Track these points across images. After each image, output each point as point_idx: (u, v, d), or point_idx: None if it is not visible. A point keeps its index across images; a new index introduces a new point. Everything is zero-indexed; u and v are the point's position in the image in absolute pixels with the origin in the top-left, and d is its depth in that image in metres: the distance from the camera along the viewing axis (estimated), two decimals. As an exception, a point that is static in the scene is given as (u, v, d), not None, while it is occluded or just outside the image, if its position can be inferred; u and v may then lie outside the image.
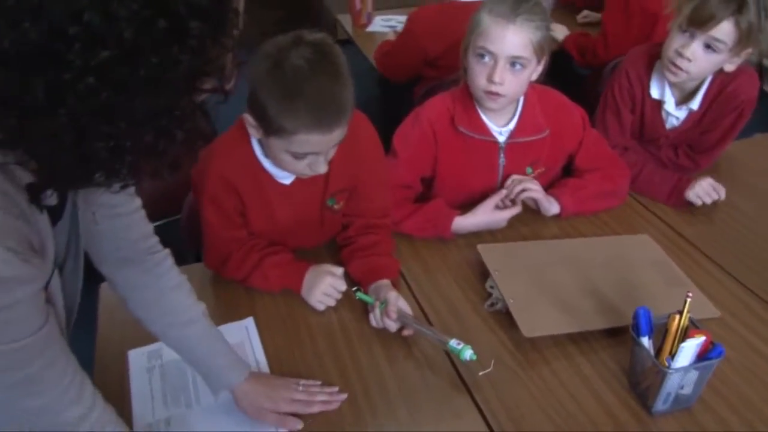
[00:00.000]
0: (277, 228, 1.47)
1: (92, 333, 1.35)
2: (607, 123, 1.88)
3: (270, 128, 1.23)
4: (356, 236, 1.52)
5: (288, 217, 1.46)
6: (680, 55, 1.63)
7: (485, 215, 1.62)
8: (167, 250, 1.13)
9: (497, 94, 1.52)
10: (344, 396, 1.21)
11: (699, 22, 1.58)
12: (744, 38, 1.58)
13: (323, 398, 1.20)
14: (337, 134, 1.24)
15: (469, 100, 1.62)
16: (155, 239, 1.11)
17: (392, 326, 1.32)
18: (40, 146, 0.65)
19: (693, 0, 1.60)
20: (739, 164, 1.94)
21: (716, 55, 1.63)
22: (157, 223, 1.14)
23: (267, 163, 1.37)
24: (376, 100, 3.32)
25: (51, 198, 0.79)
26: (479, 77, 1.53)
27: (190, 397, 1.22)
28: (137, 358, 1.31)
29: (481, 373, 1.23)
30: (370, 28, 3.20)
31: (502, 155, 1.65)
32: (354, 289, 1.42)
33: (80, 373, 0.85)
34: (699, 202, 1.70)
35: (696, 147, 1.87)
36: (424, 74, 2.62)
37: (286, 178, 1.40)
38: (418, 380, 1.24)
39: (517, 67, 1.50)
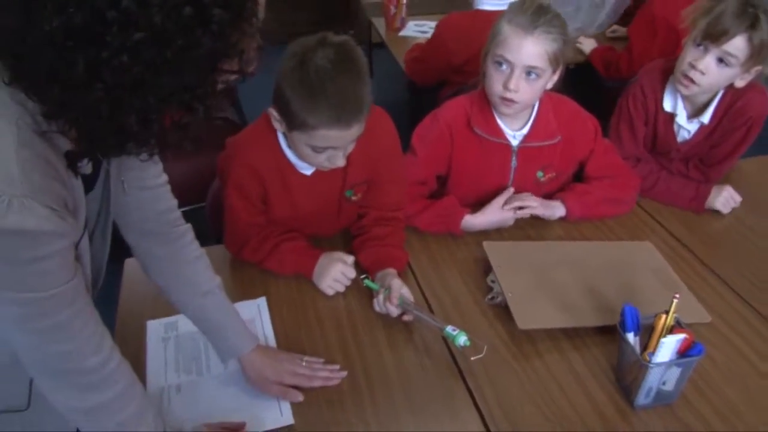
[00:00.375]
0: (297, 215, 1.55)
1: (114, 306, 1.45)
2: (621, 133, 1.93)
3: (293, 123, 1.31)
4: (369, 226, 1.60)
5: (308, 205, 1.54)
6: (693, 67, 1.68)
7: (493, 214, 1.69)
8: (189, 225, 1.22)
9: (511, 101, 1.59)
10: (344, 373, 1.29)
11: (713, 36, 1.64)
12: (756, 54, 1.63)
13: (324, 374, 1.28)
14: (355, 130, 1.32)
15: (485, 104, 1.68)
16: (178, 213, 1.19)
17: (393, 311, 1.39)
18: (80, 116, 0.74)
19: (708, 15, 1.65)
20: (749, 180, 1.98)
21: (728, 69, 1.67)
22: (183, 209, 1.23)
23: (290, 154, 1.46)
24: (406, 103, 3.40)
25: (86, 167, 0.88)
26: (496, 84, 1.59)
27: (201, 367, 1.31)
28: (155, 328, 1.40)
29: (473, 358, 1.30)
30: (403, 33, 3.28)
31: (514, 158, 1.72)
32: (362, 276, 1.49)
33: (102, 326, 0.93)
34: (726, 210, 1.80)
35: (706, 161, 1.91)
36: (450, 80, 2.68)
37: (307, 169, 1.49)
38: (415, 364, 1.31)
39: (533, 76, 1.56)
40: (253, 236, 1.54)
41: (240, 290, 1.49)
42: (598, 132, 1.79)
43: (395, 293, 1.39)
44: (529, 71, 1.56)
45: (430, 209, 1.69)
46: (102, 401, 0.93)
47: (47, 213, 0.76)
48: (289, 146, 1.45)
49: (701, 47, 1.68)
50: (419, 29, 3.27)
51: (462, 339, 1.28)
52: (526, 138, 1.70)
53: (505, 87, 1.57)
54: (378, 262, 1.52)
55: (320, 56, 1.26)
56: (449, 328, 1.30)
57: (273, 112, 1.36)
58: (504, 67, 1.57)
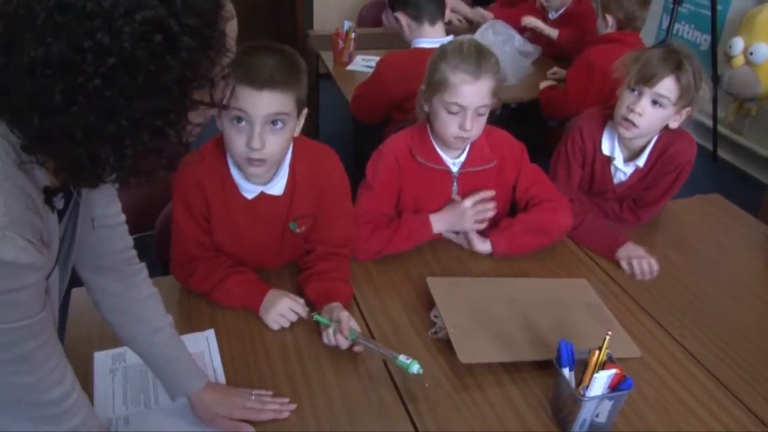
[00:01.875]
0: (240, 242, 1.58)
1: (61, 334, 1.44)
2: (557, 174, 2.03)
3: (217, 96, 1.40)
4: (316, 261, 1.63)
5: (249, 232, 1.57)
6: (632, 111, 1.81)
7: (453, 211, 1.80)
8: (143, 264, 1.24)
9: (467, 139, 1.72)
10: (294, 406, 1.31)
11: (645, 79, 1.78)
12: (684, 94, 1.78)
13: (274, 407, 1.30)
14: (267, 99, 1.35)
15: (425, 135, 1.79)
16: (134, 252, 1.21)
17: (343, 343, 1.43)
18: (57, 145, 0.77)
19: (638, 62, 1.80)
20: (678, 220, 2.09)
21: (662, 110, 1.81)
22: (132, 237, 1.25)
23: (236, 174, 1.51)
24: (351, 135, 3.46)
25: (59, 202, 0.90)
26: (451, 127, 1.70)
27: (149, 398, 1.32)
28: (102, 359, 1.40)
29: (427, 384, 1.36)
30: (351, 67, 3.34)
31: (455, 183, 1.82)
32: (312, 313, 1.51)
33: (64, 358, 0.93)
34: (625, 267, 1.82)
35: (638, 201, 2.02)
36: (393, 117, 2.77)
37: (250, 193, 1.52)
38: (360, 394, 1.35)
39: (481, 111, 1.69)
40: (199, 262, 1.55)
41: (188, 322, 1.50)
42: (524, 155, 1.90)
43: (345, 326, 1.43)
44: (479, 111, 1.68)
45: (398, 231, 1.77)
46: None
47: (25, 245, 0.78)
48: (235, 164, 1.49)
49: (635, 92, 1.81)
50: (366, 64, 3.33)
51: (415, 367, 1.32)
52: (465, 164, 1.81)
53: (462, 128, 1.68)
54: (325, 296, 1.55)
55: (261, 49, 1.38)
56: (402, 357, 1.34)
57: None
58: (457, 111, 1.67)
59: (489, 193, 1.83)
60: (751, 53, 3.74)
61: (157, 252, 1.86)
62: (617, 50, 2.22)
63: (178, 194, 1.53)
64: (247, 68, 1.33)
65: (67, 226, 0.98)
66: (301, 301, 1.54)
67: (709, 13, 3.95)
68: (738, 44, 3.80)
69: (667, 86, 1.77)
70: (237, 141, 1.40)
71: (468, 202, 1.80)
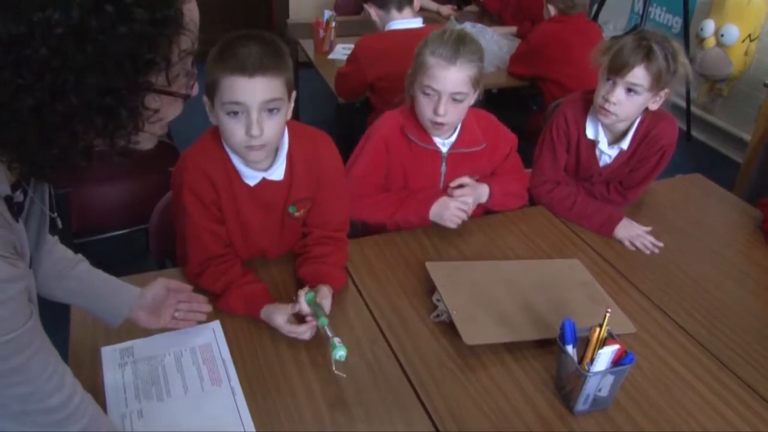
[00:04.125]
0: (243, 230, 1.60)
1: (65, 331, 1.45)
2: (543, 158, 2.08)
3: (209, 88, 1.42)
4: (311, 245, 1.66)
5: (252, 218, 1.59)
6: (607, 100, 1.85)
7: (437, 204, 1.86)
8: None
9: (441, 124, 1.76)
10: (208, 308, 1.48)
11: (616, 69, 1.83)
12: (656, 80, 1.82)
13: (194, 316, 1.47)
14: (259, 85, 1.38)
15: (416, 117, 1.84)
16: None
17: (303, 330, 1.44)
18: (7, 129, 0.74)
19: (609, 53, 1.86)
20: (661, 200, 2.16)
21: (637, 97, 1.85)
22: (124, 231, 1.26)
23: (237, 162, 1.52)
24: (333, 122, 3.49)
25: (19, 196, 0.90)
26: (426, 110, 1.76)
27: (161, 392, 1.33)
28: (110, 354, 1.40)
29: (335, 371, 1.36)
30: (332, 56, 3.36)
31: (444, 164, 1.87)
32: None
33: (61, 363, 0.92)
34: (627, 244, 1.90)
35: (625, 183, 2.07)
36: (373, 103, 2.84)
37: (252, 179, 1.54)
38: (370, 380, 1.38)
39: (458, 98, 1.73)
40: (212, 263, 1.55)
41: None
42: (514, 148, 2.00)
43: (302, 299, 1.45)
44: (454, 96, 1.72)
45: (402, 207, 1.87)
46: None
47: None
48: (235, 152, 1.50)
49: (610, 81, 1.86)
50: (347, 53, 3.34)
51: (339, 353, 1.34)
52: (454, 145, 1.87)
53: (435, 112, 1.73)
54: (316, 278, 1.57)
55: (243, 38, 1.40)
56: (336, 340, 1.36)
57: (205, 100, 1.45)
58: (431, 94, 1.72)
59: (466, 180, 1.89)
60: (722, 35, 3.83)
61: (153, 246, 1.86)
62: (559, 28, 3.11)
63: (187, 187, 1.53)
64: (234, 58, 1.36)
65: (28, 226, 0.97)
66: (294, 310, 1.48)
67: (680, -5, 4.03)
68: (709, 26, 3.89)
69: (639, 75, 1.81)
70: (235, 131, 1.42)
71: (452, 201, 1.85)
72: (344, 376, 1.36)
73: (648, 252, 1.88)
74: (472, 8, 4.42)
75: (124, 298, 1.36)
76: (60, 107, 0.72)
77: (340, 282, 1.62)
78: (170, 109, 0.89)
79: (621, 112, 1.87)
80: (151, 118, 0.82)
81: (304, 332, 1.44)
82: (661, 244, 1.90)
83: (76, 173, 0.84)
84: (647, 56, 1.80)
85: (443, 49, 1.69)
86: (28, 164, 0.81)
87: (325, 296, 1.49)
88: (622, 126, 1.97)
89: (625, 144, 1.99)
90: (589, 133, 2.01)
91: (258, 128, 1.40)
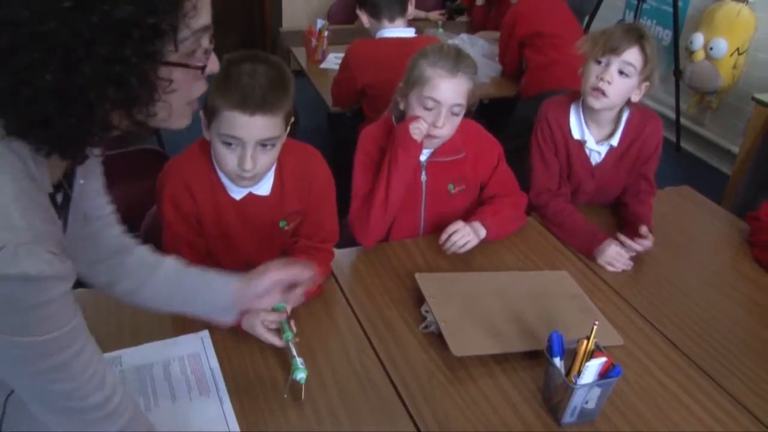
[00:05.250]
0: (229, 242, 1.60)
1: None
2: (535, 167, 2.09)
3: (208, 113, 1.41)
4: (296, 253, 1.66)
5: (239, 231, 1.59)
6: (601, 79, 1.88)
7: None
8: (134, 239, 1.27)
9: (436, 136, 1.77)
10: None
11: (612, 49, 1.86)
12: (647, 64, 1.87)
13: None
14: (259, 123, 1.38)
15: (391, 126, 1.85)
16: (126, 235, 1.25)
17: (274, 339, 1.43)
18: (28, 109, 0.76)
19: (603, 36, 1.90)
20: (654, 213, 2.16)
21: (628, 80, 1.89)
22: None
23: (223, 175, 1.52)
24: (325, 131, 3.50)
25: (59, 197, 0.93)
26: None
27: (149, 401, 1.33)
28: (98, 363, 1.40)
29: (285, 395, 1.35)
30: (324, 65, 3.37)
31: (424, 172, 1.87)
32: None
33: (103, 362, 0.94)
34: (610, 268, 1.86)
35: (634, 192, 2.09)
36: (365, 111, 2.85)
37: (237, 193, 1.55)
38: (358, 389, 1.38)
39: (455, 110, 1.74)
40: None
41: (181, 324, 1.50)
42: (501, 156, 1.98)
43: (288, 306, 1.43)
44: (452, 109, 1.73)
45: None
46: None
47: (49, 258, 0.79)
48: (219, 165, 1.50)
49: (603, 62, 1.89)
50: (339, 62, 3.36)
51: (300, 375, 1.33)
52: (433, 154, 1.86)
53: (434, 125, 1.73)
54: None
55: (248, 63, 1.39)
56: (299, 361, 1.35)
57: (201, 115, 1.44)
58: (432, 107, 1.72)
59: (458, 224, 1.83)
60: (711, 48, 3.86)
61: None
62: (534, 3, 3.28)
63: (167, 196, 1.54)
64: (237, 91, 1.35)
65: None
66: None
67: (670, 9, 4.07)
68: (698, 39, 3.93)
69: (634, 55, 1.86)
70: (228, 159, 1.43)
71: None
72: (301, 399, 1.34)
73: (619, 266, 1.87)
74: (463, 19, 4.45)
75: (224, 289, 1.29)
76: (75, 80, 0.74)
77: (315, 290, 1.59)
78: (194, 86, 0.91)
79: (613, 93, 1.89)
80: (165, 88, 0.84)
81: (281, 342, 1.42)
82: (630, 263, 1.87)
83: (100, 147, 0.88)
84: (640, 38, 1.86)
85: (444, 61, 1.71)
86: (53, 142, 0.82)
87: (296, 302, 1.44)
88: (607, 117, 2.00)
89: (615, 140, 2.01)
90: (575, 132, 2.03)
91: (251, 163, 1.42)
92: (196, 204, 1.54)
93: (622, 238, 1.89)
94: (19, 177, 0.80)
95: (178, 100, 0.87)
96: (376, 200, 1.80)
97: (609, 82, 1.87)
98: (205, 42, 0.88)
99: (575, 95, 2.04)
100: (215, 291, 1.28)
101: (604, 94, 1.89)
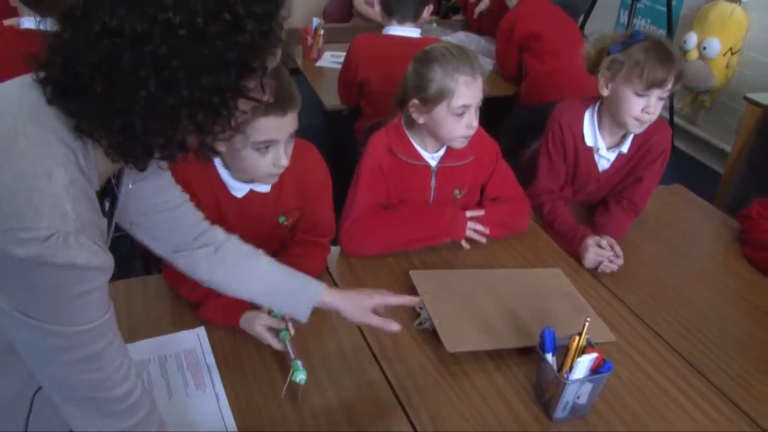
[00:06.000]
0: None
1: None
2: (540, 167, 2.10)
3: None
4: (292, 245, 1.69)
5: (240, 230, 1.59)
6: (647, 113, 1.87)
7: None
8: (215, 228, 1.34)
9: (470, 136, 1.78)
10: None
11: (656, 84, 1.82)
12: (679, 80, 1.86)
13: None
14: (291, 120, 1.41)
15: (402, 133, 1.85)
16: (206, 222, 1.32)
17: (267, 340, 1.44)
18: (114, 116, 0.81)
19: (638, 67, 1.82)
20: (647, 211, 2.18)
21: (664, 101, 1.90)
22: (116, 235, 1.27)
23: (225, 175, 1.54)
24: (321, 129, 3.51)
25: (106, 204, 0.97)
26: (459, 129, 1.75)
27: (145, 395, 1.34)
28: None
29: (282, 396, 1.35)
30: (320, 63, 3.38)
31: (433, 178, 1.88)
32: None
33: (128, 356, 0.96)
34: (599, 270, 1.85)
35: (627, 193, 2.08)
36: (362, 108, 2.85)
37: (239, 191, 1.56)
38: (353, 387, 1.40)
39: (479, 105, 1.76)
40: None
41: (178, 321, 1.52)
42: (499, 155, 1.98)
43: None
44: (478, 105, 1.75)
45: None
46: (124, 428, 0.96)
47: (96, 248, 0.81)
48: (226, 166, 1.52)
49: (644, 96, 1.85)
50: (335, 60, 3.38)
51: (300, 377, 1.34)
52: (443, 159, 1.87)
53: (469, 127, 1.74)
54: None
55: None
56: (299, 362, 1.36)
57: None
58: (463, 113, 1.73)
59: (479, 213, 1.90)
60: (705, 48, 3.89)
61: (140, 250, 1.86)
62: (531, 5, 3.25)
63: None
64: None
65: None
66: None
67: (664, 8, 4.09)
68: (692, 39, 3.95)
69: (671, 82, 1.84)
70: (260, 164, 1.45)
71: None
72: (298, 399, 1.35)
73: (611, 270, 1.85)
74: (458, 17, 4.46)
75: (310, 293, 1.36)
76: (170, 101, 0.79)
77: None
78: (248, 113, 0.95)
79: (654, 117, 1.90)
80: (239, 119, 0.89)
81: (279, 344, 1.42)
82: (620, 263, 1.86)
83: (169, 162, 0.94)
84: (674, 63, 1.82)
85: (463, 66, 1.69)
86: (127, 151, 0.87)
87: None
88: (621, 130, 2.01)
89: (625, 147, 2.03)
90: (588, 139, 2.04)
91: (287, 159, 1.45)
92: (199, 202, 1.54)
93: (596, 238, 1.88)
94: (71, 169, 0.82)
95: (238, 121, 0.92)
96: (392, 240, 1.81)
97: (653, 113, 1.88)
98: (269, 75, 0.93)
99: (591, 101, 2.03)
100: (303, 293, 1.35)
101: (645, 122, 1.90)
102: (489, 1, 3.93)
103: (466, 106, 1.72)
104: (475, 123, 1.75)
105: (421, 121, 1.78)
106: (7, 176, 0.79)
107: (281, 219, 1.64)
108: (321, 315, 1.53)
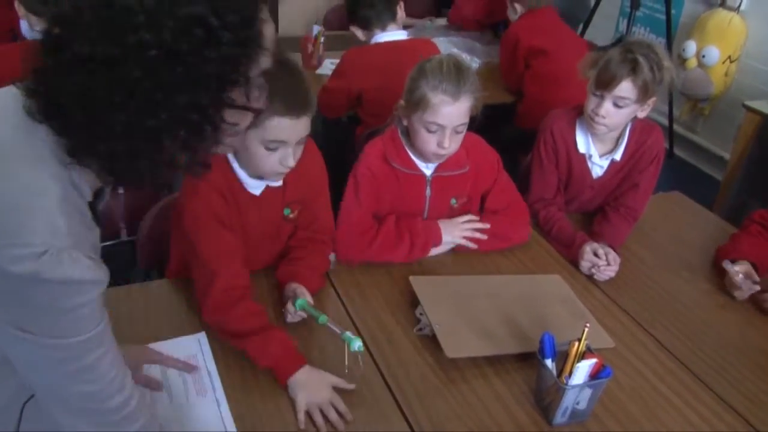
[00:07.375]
0: (246, 239, 1.60)
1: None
2: (532, 176, 2.12)
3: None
4: (294, 247, 1.70)
5: (255, 226, 1.62)
6: (597, 114, 1.90)
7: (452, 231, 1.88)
8: None
9: (444, 155, 1.78)
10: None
11: (604, 84, 1.86)
12: (643, 92, 1.86)
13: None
14: (304, 123, 1.43)
15: (399, 142, 1.84)
16: None
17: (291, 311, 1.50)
18: (99, 141, 0.80)
19: (596, 66, 1.89)
20: (641, 217, 2.18)
21: (625, 109, 1.90)
22: (106, 244, 1.27)
23: (242, 174, 1.55)
24: (321, 136, 3.51)
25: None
26: (429, 145, 1.75)
27: (146, 400, 1.35)
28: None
29: (346, 370, 1.39)
30: (320, 71, 3.38)
31: (428, 187, 1.88)
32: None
33: (123, 366, 0.96)
34: (596, 277, 1.85)
35: (623, 200, 2.08)
36: (361, 117, 2.85)
37: (256, 189, 1.57)
38: (353, 392, 1.40)
39: (459, 129, 1.73)
40: (242, 301, 1.49)
41: (179, 326, 1.53)
42: (500, 165, 1.98)
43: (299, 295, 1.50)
44: (456, 129, 1.72)
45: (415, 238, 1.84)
46: None
47: (89, 263, 0.82)
48: (241, 165, 1.53)
49: (598, 95, 1.89)
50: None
51: (357, 344, 1.37)
52: (438, 168, 1.87)
53: (440, 146, 1.73)
54: (288, 277, 1.61)
55: (279, 73, 1.39)
56: (348, 333, 1.39)
57: None
58: (434, 130, 1.72)
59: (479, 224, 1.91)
60: (704, 56, 3.91)
61: (141, 258, 1.88)
62: (534, 19, 3.17)
63: (203, 210, 1.50)
64: (280, 96, 1.31)
65: None
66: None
67: (663, 16, 4.11)
68: (691, 47, 3.97)
69: (625, 89, 1.85)
70: (267, 162, 1.46)
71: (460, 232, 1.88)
72: (362, 369, 1.40)
73: (605, 277, 1.85)
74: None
75: None
76: (149, 123, 0.78)
77: (313, 284, 1.62)
78: (243, 121, 0.94)
79: (610, 123, 1.92)
80: (229, 132, 0.88)
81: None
82: (614, 269, 1.86)
83: (161, 183, 0.92)
84: (633, 70, 1.83)
85: (446, 84, 1.67)
86: (116, 174, 0.87)
87: (304, 294, 1.52)
88: (613, 135, 2.02)
89: (617, 155, 2.04)
90: (581, 146, 2.05)
91: (294, 161, 1.46)
92: (228, 206, 1.55)
93: (593, 245, 1.88)
94: (64, 183, 0.83)
95: (238, 139, 0.94)
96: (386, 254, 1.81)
97: (603, 117, 1.89)
98: (261, 79, 0.91)
99: (582, 108, 2.03)
100: None
101: (601, 124, 1.91)
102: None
103: (438, 125, 1.70)
104: (447, 144, 1.71)
105: (404, 123, 1.80)
106: (1, 193, 0.79)
107: (286, 211, 1.65)
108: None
